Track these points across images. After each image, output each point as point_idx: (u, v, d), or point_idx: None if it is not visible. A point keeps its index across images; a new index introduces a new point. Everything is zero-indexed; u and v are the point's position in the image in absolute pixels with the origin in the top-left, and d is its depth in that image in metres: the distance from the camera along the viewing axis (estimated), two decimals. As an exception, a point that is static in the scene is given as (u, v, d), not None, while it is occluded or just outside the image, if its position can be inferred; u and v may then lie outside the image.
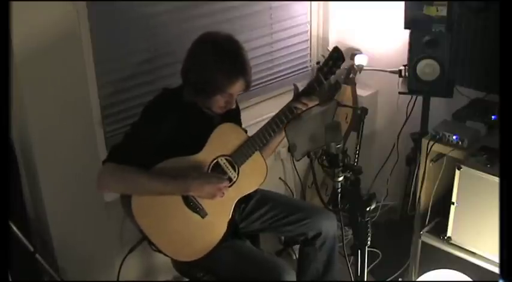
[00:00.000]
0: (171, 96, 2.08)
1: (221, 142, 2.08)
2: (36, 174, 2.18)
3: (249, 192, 2.17)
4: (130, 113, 2.42)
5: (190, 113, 2.07)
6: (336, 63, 2.07)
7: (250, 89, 2.09)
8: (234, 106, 2.08)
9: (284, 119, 2.10)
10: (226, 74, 1.98)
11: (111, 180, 1.98)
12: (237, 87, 2.01)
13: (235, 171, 2.11)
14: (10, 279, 1.86)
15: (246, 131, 2.24)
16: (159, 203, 2.01)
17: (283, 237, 3.01)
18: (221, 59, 1.97)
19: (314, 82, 2.09)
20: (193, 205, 2.05)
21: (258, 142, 2.11)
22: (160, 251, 2.06)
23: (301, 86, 2.17)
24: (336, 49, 2.09)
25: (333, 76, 3.19)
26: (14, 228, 2.01)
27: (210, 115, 2.12)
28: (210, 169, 2.07)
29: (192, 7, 2.55)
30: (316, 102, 2.13)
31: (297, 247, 2.61)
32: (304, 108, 2.10)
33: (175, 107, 2.04)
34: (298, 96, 2.11)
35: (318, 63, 2.13)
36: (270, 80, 3.05)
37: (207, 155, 2.06)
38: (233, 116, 2.23)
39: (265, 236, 2.49)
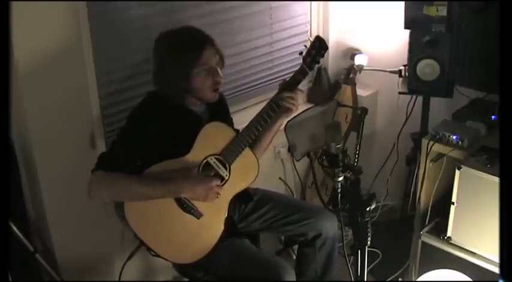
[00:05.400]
0: (155, 99, 2.07)
1: (209, 142, 2.06)
2: (36, 174, 2.18)
3: (242, 189, 2.15)
4: (130, 113, 2.42)
5: (176, 114, 2.06)
6: (319, 52, 2.04)
7: (223, 58, 2.08)
8: (221, 80, 2.06)
9: (271, 113, 2.08)
10: (190, 46, 1.99)
11: (101, 188, 1.98)
12: (208, 55, 2.01)
13: (226, 169, 2.10)
14: (10, 279, 1.86)
15: (237, 131, 2.24)
16: (152, 208, 2.00)
17: (283, 237, 3.00)
18: (177, 39, 2.01)
19: (298, 73, 2.07)
20: (187, 207, 2.04)
21: (246, 139, 2.08)
22: (159, 256, 2.06)
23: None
24: (318, 38, 2.05)
25: (333, 76, 3.19)
26: (14, 228, 2.01)
27: (197, 115, 2.11)
28: (200, 170, 2.06)
29: (192, 7, 2.55)
30: (302, 94, 2.11)
31: (296, 247, 2.60)
32: (288, 100, 2.07)
33: (161, 110, 2.03)
34: (282, 88, 2.09)
35: (300, 53, 2.10)
36: (270, 80, 3.05)
37: (196, 156, 2.05)
38: (222, 114, 2.22)
39: (265, 236, 2.48)
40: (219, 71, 2.05)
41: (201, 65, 2.00)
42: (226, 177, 2.10)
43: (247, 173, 2.14)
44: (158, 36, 2.05)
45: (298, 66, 2.06)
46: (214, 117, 2.14)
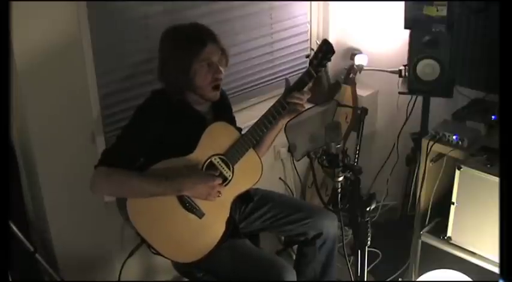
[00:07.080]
0: (160, 97, 2.07)
1: (213, 141, 2.07)
2: (36, 174, 2.18)
3: (245, 190, 2.16)
4: (130, 113, 2.41)
5: (180, 112, 2.06)
6: (326, 55, 2.04)
7: (228, 57, 2.09)
8: (222, 77, 2.06)
9: (276, 115, 2.08)
10: (192, 42, 1.99)
11: (104, 184, 1.98)
12: (210, 51, 2.01)
13: (229, 170, 2.10)
14: (10, 279, 1.86)
15: (240, 130, 2.24)
16: (154, 205, 2.00)
17: (283, 237, 3.00)
18: (182, 33, 2.02)
19: (305, 76, 2.07)
20: (189, 206, 2.05)
21: (251, 139, 2.09)
22: (159, 254, 2.06)
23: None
24: (325, 41, 2.05)
25: (333, 76, 3.19)
26: (14, 228, 2.01)
27: (201, 114, 2.12)
28: (204, 169, 2.06)
29: (192, 7, 2.55)
30: (308, 96, 2.12)
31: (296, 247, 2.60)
32: (296, 101, 2.08)
33: (165, 108, 2.03)
34: (289, 91, 2.09)
35: (307, 56, 2.11)
36: (270, 80, 3.04)
37: (200, 155, 2.05)
38: (225, 114, 2.23)
39: (265, 236, 2.49)
40: (221, 69, 2.05)
41: (201, 61, 2.01)
42: (230, 178, 2.10)
43: (250, 173, 2.15)
44: (164, 31, 2.07)
45: (300, 67, 2.06)
46: (218, 117, 2.15)
